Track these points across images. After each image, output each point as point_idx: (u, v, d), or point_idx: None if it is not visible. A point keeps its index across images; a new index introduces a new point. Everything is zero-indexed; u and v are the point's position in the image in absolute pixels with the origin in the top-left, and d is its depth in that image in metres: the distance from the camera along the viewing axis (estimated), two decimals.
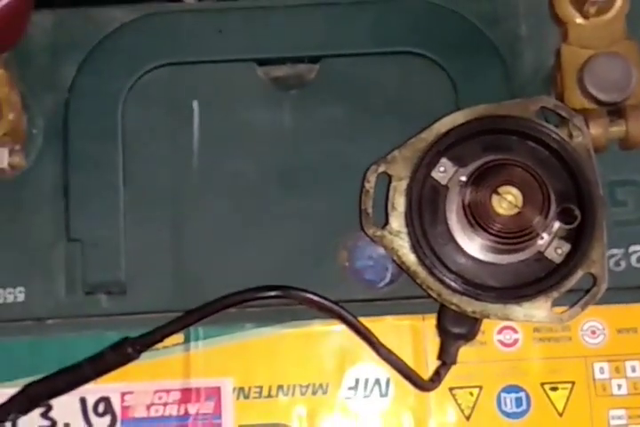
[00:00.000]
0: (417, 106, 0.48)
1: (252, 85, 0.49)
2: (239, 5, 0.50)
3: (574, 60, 0.46)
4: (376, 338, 0.44)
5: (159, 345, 0.45)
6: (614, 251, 0.46)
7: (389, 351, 0.44)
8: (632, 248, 0.46)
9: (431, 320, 0.45)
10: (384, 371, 0.45)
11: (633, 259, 0.46)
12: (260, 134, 0.48)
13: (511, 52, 0.49)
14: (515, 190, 0.43)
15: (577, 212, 0.42)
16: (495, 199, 0.43)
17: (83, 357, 0.44)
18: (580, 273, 0.43)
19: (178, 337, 0.45)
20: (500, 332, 0.46)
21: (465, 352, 0.45)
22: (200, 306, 0.44)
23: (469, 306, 0.43)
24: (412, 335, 0.45)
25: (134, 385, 0.45)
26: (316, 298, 0.44)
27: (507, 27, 0.49)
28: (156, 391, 0.45)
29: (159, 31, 0.49)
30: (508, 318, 0.43)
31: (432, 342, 0.45)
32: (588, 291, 0.43)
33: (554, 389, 0.45)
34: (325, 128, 0.48)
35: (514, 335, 0.46)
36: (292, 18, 0.49)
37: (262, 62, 0.49)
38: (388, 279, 0.46)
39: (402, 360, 0.44)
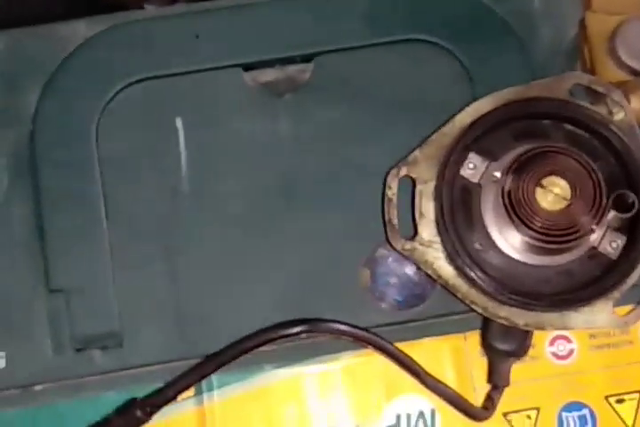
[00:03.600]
0: (428, 99, 0.47)
1: (239, 94, 0.47)
2: (215, 6, 0.48)
3: (602, 29, 0.45)
4: (420, 367, 0.42)
5: None
6: None
7: (437, 380, 0.42)
8: None
9: (474, 338, 0.43)
10: (427, 402, 0.43)
11: None
12: (256, 147, 0.47)
13: (526, 29, 0.47)
14: (562, 181, 0.40)
15: (633, 197, 0.40)
16: (539, 193, 0.40)
17: (82, 425, 0.42)
18: None
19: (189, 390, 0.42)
20: (552, 343, 0.44)
21: (515, 371, 0.43)
22: (216, 352, 0.42)
23: (521, 318, 0.41)
24: (455, 358, 0.44)
25: None
26: (347, 328, 0.42)
27: (518, 1, 0.48)
28: None
29: (129, 43, 0.47)
30: (566, 328, 0.41)
31: (478, 364, 0.43)
32: None
33: (620, 401, 0.44)
34: (328, 133, 0.46)
35: (568, 345, 0.44)
36: (275, 15, 0.47)
37: (248, 67, 0.47)
38: (418, 297, 0.44)
39: (451, 389, 0.42)
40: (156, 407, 0.41)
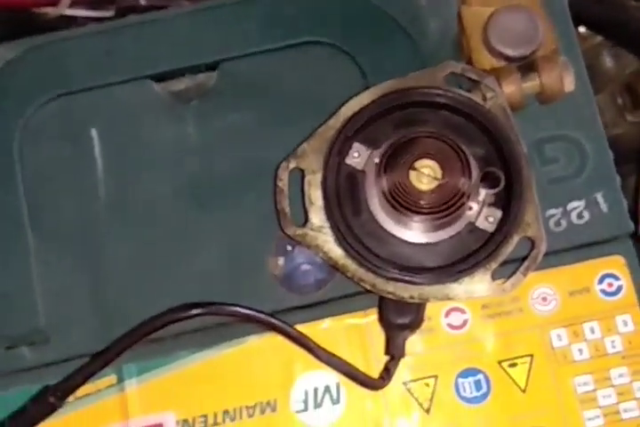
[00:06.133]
0: (327, 96, 0.49)
1: (151, 103, 0.51)
2: (124, 23, 0.52)
3: (476, 20, 0.48)
4: (313, 342, 0.45)
5: (92, 389, 0.46)
6: (552, 211, 0.47)
7: (330, 354, 0.45)
8: (570, 205, 0.47)
9: (373, 315, 0.46)
10: (332, 377, 0.46)
11: (573, 216, 0.47)
12: (167, 152, 0.50)
13: (414, 24, 0.51)
14: (431, 162, 0.44)
15: (499, 174, 0.44)
16: (413, 175, 0.44)
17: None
18: (515, 238, 0.44)
19: (111, 378, 0.47)
20: (447, 315, 0.47)
21: (414, 342, 0.46)
22: (117, 338, 0.45)
23: (406, 292, 0.44)
24: (356, 334, 0.47)
25: None
26: (242, 310, 0.45)
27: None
28: None
29: (45, 63, 0.51)
30: (448, 298, 0.44)
31: (378, 338, 0.46)
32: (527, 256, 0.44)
33: (513, 365, 0.46)
34: (234, 135, 0.50)
35: (462, 316, 0.47)
36: (180, 28, 0.51)
37: (158, 78, 0.51)
38: (323, 279, 0.47)
39: (345, 361, 0.45)
40: (67, 392, 0.45)
